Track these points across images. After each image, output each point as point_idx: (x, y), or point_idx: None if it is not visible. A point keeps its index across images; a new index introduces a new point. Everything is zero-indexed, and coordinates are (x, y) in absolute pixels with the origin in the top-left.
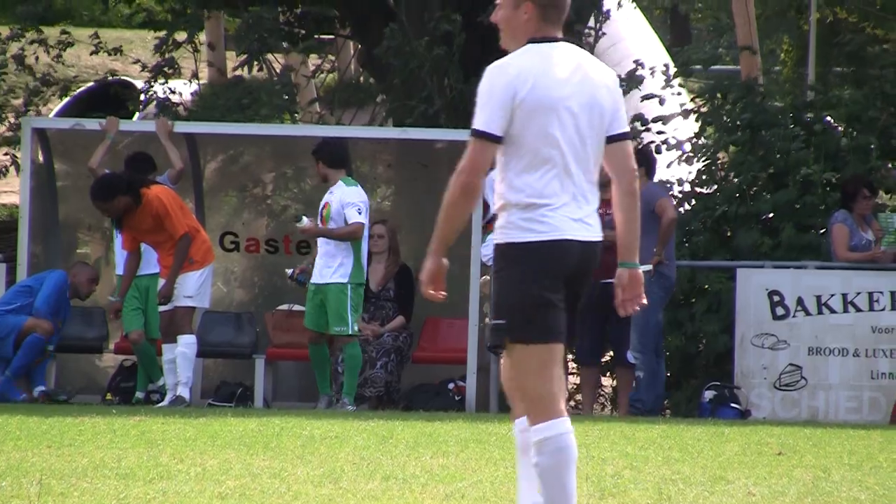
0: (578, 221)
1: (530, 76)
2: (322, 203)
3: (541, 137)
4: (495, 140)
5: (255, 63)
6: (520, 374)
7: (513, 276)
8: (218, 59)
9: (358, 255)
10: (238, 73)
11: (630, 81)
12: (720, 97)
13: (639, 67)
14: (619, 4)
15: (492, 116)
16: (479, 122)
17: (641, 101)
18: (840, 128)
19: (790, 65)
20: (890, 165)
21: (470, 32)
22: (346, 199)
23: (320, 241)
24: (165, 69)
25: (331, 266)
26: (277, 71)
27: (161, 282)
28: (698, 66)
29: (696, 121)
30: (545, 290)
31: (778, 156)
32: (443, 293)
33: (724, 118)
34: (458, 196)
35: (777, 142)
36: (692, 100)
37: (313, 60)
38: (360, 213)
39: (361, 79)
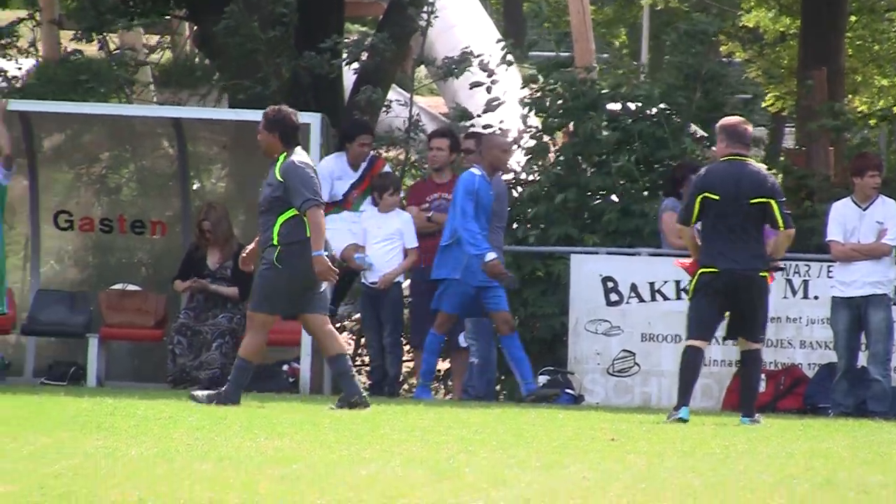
0: None
1: None
2: None
3: None
4: None
5: (94, 40)
6: None
7: None
8: (53, 39)
9: None
10: (74, 47)
11: (461, 64)
12: (542, 80)
13: (469, 56)
14: None
15: None
16: None
17: (470, 88)
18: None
19: (627, 57)
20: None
21: (302, 15)
22: None
23: None
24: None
25: None
26: (113, 50)
27: None
28: (535, 53)
29: (524, 108)
30: None
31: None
32: None
33: (548, 102)
34: None
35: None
36: (524, 87)
37: (148, 42)
38: None
39: (197, 60)
